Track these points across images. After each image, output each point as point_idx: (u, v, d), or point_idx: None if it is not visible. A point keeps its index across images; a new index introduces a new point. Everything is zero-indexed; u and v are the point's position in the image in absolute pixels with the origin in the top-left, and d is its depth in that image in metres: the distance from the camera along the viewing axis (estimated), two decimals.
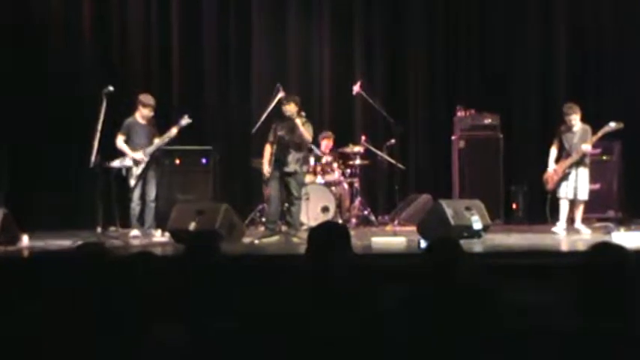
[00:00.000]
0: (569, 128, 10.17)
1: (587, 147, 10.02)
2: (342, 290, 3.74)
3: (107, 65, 12.63)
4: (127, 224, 10.45)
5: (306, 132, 9.76)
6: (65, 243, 8.84)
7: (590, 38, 12.95)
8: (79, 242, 7.94)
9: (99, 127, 9.28)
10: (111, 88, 9.42)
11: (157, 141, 10.22)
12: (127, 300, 3.52)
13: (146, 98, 10.31)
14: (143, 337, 3.29)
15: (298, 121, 9.68)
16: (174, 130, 10.16)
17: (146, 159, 10.14)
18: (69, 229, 10.49)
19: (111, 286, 3.60)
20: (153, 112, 10.30)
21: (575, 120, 10.12)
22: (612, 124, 9.95)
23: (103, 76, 11.53)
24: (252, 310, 3.70)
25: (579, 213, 10.21)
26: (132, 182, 10.10)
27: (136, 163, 10.10)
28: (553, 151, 10.35)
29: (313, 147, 11.49)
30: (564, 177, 10.14)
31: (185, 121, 10.15)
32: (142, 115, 10.28)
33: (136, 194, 10.18)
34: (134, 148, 10.16)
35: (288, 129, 9.77)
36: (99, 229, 9.41)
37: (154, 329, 3.32)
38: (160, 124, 10.44)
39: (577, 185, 10.06)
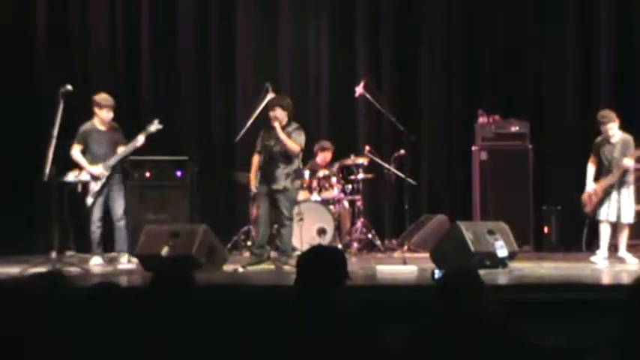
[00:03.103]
0: (607, 140, 10.16)
1: (629, 162, 10.01)
2: (338, 330, 3.73)
3: (66, 64, 12.64)
4: (82, 249, 10.42)
5: (290, 141, 9.70)
6: (13, 271, 8.83)
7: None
8: (31, 270, 7.96)
9: (55, 134, 9.26)
10: (69, 87, 9.41)
11: (120, 150, 10.18)
12: (86, 341, 3.50)
13: (102, 98, 10.23)
14: None
15: (277, 126, 9.65)
16: (140, 138, 10.10)
17: (106, 173, 10.07)
18: (18, 255, 10.48)
19: (69, 324, 3.59)
20: (111, 114, 10.22)
21: (613, 130, 10.10)
22: None
23: (60, 77, 11.54)
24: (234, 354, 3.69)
25: (624, 239, 10.18)
26: (89, 201, 10.03)
27: (94, 177, 10.06)
28: (590, 169, 10.33)
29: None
30: (605, 197, 10.12)
31: (154, 126, 10.10)
32: (101, 119, 10.22)
33: (96, 215, 10.12)
34: (93, 160, 10.12)
35: (276, 137, 9.76)
36: (53, 254, 9.38)
37: None
38: (128, 133, 10.39)
39: (620, 206, 10.05)
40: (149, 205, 11.56)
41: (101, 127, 10.26)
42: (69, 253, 10.67)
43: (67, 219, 10.17)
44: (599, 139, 10.27)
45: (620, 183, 10.07)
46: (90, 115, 10.32)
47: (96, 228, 10.15)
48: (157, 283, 4.09)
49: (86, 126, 10.26)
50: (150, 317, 3.85)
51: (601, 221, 10.18)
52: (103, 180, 10.08)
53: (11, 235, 11.50)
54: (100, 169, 10.05)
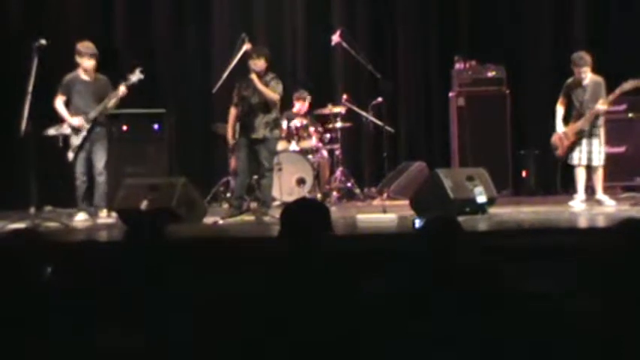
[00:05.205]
0: (579, 82, 10.12)
1: (602, 107, 9.98)
2: (322, 279, 3.73)
3: (37, 14, 12.51)
4: (63, 203, 10.37)
5: (268, 90, 9.64)
6: None
7: None
8: (9, 226, 7.92)
9: (30, 89, 9.12)
10: (43, 42, 9.27)
11: (102, 103, 9.96)
12: (66, 298, 3.49)
13: (84, 46, 9.95)
14: (88, 344, 3.27)
15: (254, 77, 9.57)
16: (122, 89, 9.85)
17: (87, 125, 9.90)
18: None
19: (48, 281, 3.57)
20: (93, 62, 9.93)
21: (586, 73, 10.07)
22: (631, 82, 9.92)
23: (32, 27, 11.43)
24: (213, 305, 3.68)
25: (599, 181, 10.19)
26: (70, 155, 9.87)
27: (75, 130, 9.89)
28: (559, 110, 10.29)
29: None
30: (576, 142, 10.12)
31: (136, 76, 9.81)
32: (84, 68, 9.95)
33: (79, 168, 9.91)
34: (76, 112, 9.88)
35: (254, 88, 9.69)
36: (32, 210, 9.33)
37: (101, 335, 3.30)
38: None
39: (591, 149, 10.06)
40: (127, 159, 11.49)
41: (85, 78, 9.98)
42: (48, 208, 10.59)
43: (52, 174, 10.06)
44: (570, 80, 10.22)
45: (591, 125, 10.06)
46: (61, 65, 10.17)
47: (80, 183, 9.94)
48: (131, 236, 4.09)
49: (69, 76, 10.00)
50: (127, 271, 3.85)
51: (574, 165, 10.20)
52: (84, 133, 9.88)
53: None
54: (79, 120, 9.86)
